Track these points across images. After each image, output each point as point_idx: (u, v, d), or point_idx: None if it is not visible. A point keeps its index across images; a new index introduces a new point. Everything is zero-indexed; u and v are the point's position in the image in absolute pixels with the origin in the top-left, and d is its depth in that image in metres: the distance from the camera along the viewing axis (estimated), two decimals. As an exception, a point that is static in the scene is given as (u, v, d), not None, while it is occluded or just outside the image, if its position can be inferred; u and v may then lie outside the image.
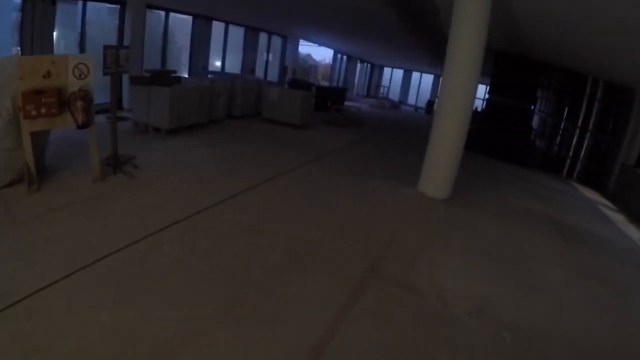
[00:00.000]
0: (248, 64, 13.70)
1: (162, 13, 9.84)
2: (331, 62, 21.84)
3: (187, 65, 11.05)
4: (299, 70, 17.55)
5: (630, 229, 7.48)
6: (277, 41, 15.72)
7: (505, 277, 4.41)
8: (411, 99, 26.50)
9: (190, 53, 10.94)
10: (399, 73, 26.92)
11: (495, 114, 12.30)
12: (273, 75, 15.68)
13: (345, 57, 22.25)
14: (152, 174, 5.00)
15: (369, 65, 25.98)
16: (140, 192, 4.42)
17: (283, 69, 15.88)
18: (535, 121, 12.67)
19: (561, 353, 3.22)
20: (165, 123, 6.80)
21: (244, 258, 3.55)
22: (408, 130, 14.99)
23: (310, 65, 19.13)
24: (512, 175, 10.44)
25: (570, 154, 11.63)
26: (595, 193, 10.26)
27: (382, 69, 27.24)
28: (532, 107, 12.45)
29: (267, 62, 15.31)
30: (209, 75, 10.98)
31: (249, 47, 13.66)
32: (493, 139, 11.90)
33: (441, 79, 6.69)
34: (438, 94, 6.83)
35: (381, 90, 26.66)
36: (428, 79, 26.17)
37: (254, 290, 3.11)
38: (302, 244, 4.09)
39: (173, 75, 7.67)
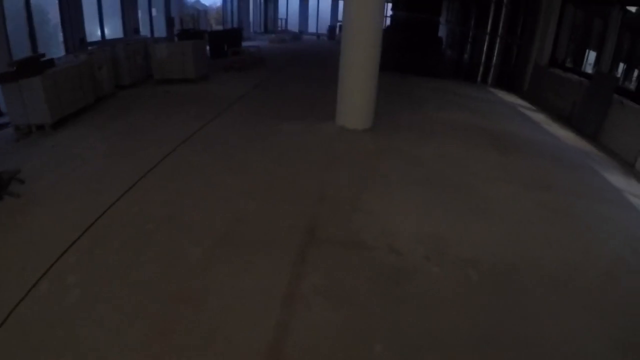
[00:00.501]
0: (130, 25, 12.43)
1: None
2: (221, 4, 20.45)
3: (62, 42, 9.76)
4: (188, 19, 16.31)
5: (553, 127, 7.88)
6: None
7: (453, 206, 4.18)
8: (312, 27, 26.10)
9: (62, 27, 9.61)
10: (295, 2, 25.94)
11: (402, 30, 12.31)
12: (161, 31, 14.48)
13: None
14: (40, 185, 4.40)
15: (263, -2, 24.67)
16: (29, 214, 3.83)
17: (169, 21, 14.67)
18: (444, 32, 12.81)
19: (531, 281, 3.12)
20: (46, 117, 6.27)
21: (163, 262, 3.15)
22: (313, 61, 14.85)
23: (199, 12, 17.76)
24: (429, 89, 10.52)
25: (483, 60, 11.99)
26: (511, 95, 10.72)
27: (277, 1, 26.05)
28: (439, 19, 12.53)
29: (150, 17, 13.99)
30: (88, 48, 9.81)
31: (128, 6, 12.30)
32: (403, 54, 12.02)
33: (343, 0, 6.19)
34: (342, 17, 6.49)
35: (279, 24, 25.80)
36: (327, 3, 25.56)
37: (185, 302, 2.76)
38: (226, 223, 3.70)
39: (42, 59, 6.79)
